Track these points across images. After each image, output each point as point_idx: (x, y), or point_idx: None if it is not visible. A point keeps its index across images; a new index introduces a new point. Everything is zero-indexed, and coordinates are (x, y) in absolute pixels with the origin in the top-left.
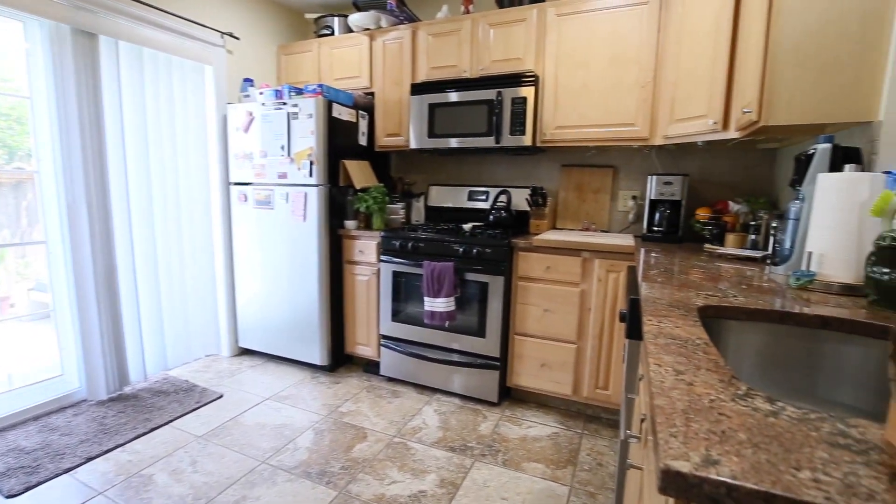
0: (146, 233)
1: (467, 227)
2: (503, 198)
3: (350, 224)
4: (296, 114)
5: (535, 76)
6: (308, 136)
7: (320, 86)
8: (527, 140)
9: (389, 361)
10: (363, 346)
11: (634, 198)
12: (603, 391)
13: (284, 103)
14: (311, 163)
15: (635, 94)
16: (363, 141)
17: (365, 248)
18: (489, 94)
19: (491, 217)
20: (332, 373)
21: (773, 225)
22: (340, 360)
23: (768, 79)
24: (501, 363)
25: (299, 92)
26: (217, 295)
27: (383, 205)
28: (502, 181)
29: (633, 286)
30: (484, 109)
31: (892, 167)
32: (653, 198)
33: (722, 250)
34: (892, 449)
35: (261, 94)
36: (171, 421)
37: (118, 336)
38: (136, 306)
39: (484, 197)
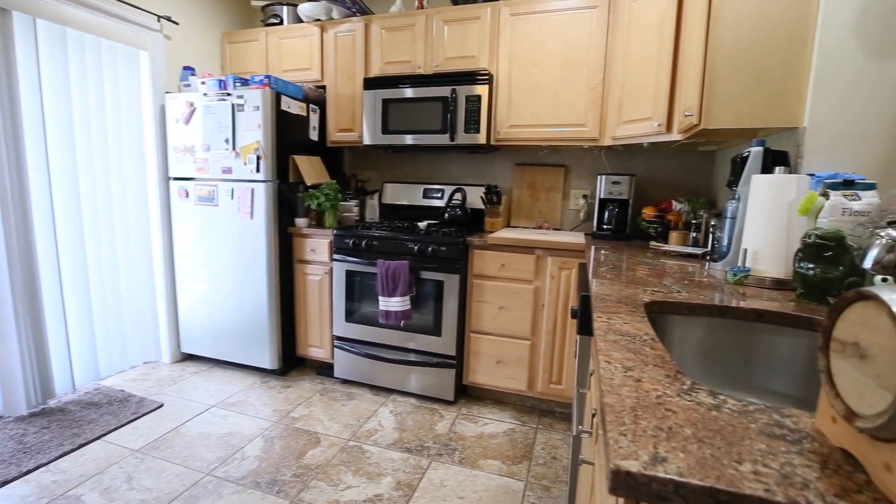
0: (73, 231)
1: (422, 225)
2: (458, 196)
3: (301, 222)
4: (241, 105)
5: (490, 74)
6: (255, 130)
7: (268, 77)
8: (481, 138)
9: (344, 363)
10: (316, 347)
11: (585, 197)
12: (556, 386)
13: (229, 94)
14: (259, 157)
15: (586, 95)
16: (314, 136)
17: (317, 246)
18: (444, 91)
19: (446, 215)
20: (284, 377)
21: (712, 223)
22: (292, 363)
23: (708, 84)
24: (458, 361)
25: (245, 83)
26: (156, 298)
27: (336, 202)
28: (457, 179)
29: (584, 283)
30: (438, 106)
31: (816, 170)
32: (602, 197)
33: (666, 247)
34: (822, 437)
35: (203, 83)
36: (103, 435)
37: (40, 345)
38: (62, 312)
39: (439, 195)
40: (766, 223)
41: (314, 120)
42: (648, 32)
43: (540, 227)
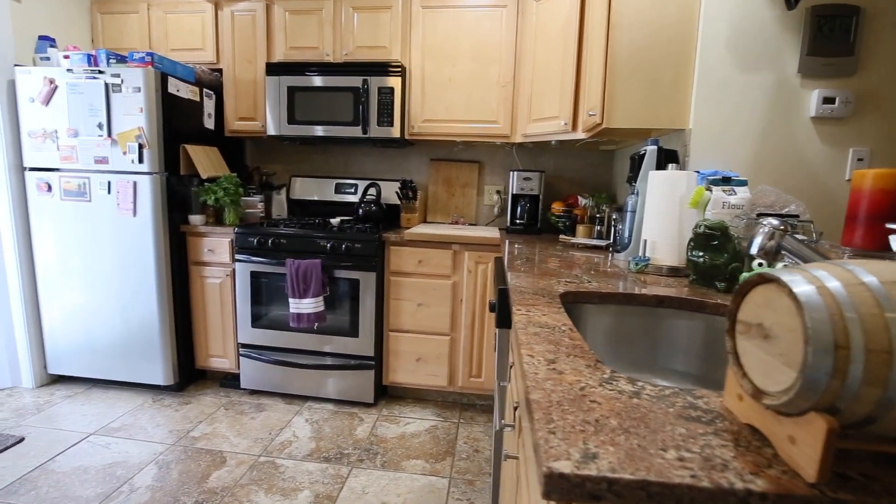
0: None
1: (335, 221)
2: (373, 191)
3: (196, 219)
4: (118, 86)
5: (403, 67)
6: (136, 114)
7: (150, 55)
8: (395, 132)
9: (251, 372)
10: (219, 357)
11: (499, 192)
12: (476, 379)
13: (101, 72)
14: (141, 146)
15: (497, 92)
16: (210, 124)
17: (216, 246)
18: (355, 81)
19: (360, 211)
20: (181, 392)
21: (614, 217)
22: (191, 376)
23: (609, 86)
24: (376, 362)
25: (122, 59)
26: (11, 312)
27: (237, 197)
28: (371, 173)
29: (500, 276)
30: (350, 97)
31: (700, 167)
32: (515, 192)
33: (574, 240)
34: (731, 415)
35: (66, 57)
36: None
37: None
38: None
39: (352, 190)
40: (662, 216)
41: (209, 106)
42: (554, 34)
43: (456, 223)
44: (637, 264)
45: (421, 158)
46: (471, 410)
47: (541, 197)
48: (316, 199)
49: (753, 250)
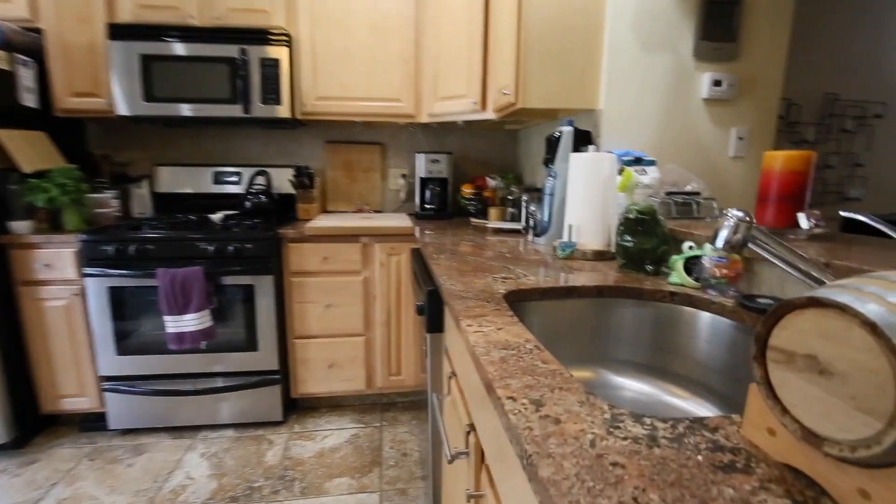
0: None
1: (217, 217)
2: (261, 179)
3: (20, 226)
4: None
5: (288, 35)
6: None
7: None
8: (283, 111)
9: (121, 409)
10: (73, 397)
11: (404, 176)
12: (396, 377)
13: None
14: None
15: (399, 68)
16: (31, 101)
17: (54, 259)
18: (230, 50)
19: (248, 203)
20: (22, 449)
21: (525, 199)
22: (36, 426)
23: (523, 64)
24: (282, 374)
25: None
26: None
27: (79, 194)
28: (258, 159)
29: (424, 273)
30: (225, 70)
31: (611, 148)
32: (423, 176)
33: (490, 224)
34: (759, 451)
35: None
36: None
37: None
38: None
39: (236, 179)
40: (586, 199)
41: (27, 78)
42: (458, 7)
43: (361, 211)
44: (564, 250)
45: (315, 141)
46: (393, 410)
47: (450, 180)
48: (189, 191)
49: (719, 244)
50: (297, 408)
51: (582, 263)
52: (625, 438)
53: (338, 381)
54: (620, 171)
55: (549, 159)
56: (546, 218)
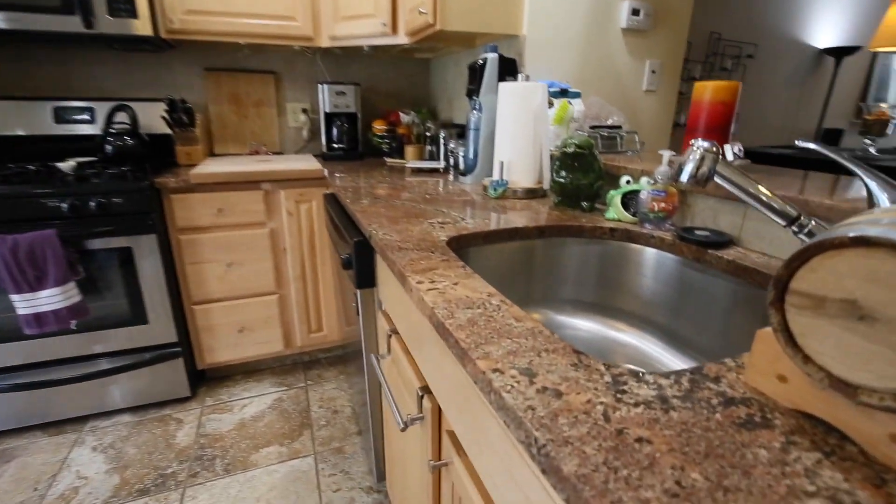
0: None
1: (67, 166)
2: (123, 117)
3: None
4: None
5: None
6: None
7: None
8: (141, 26)
9: None
10: None
11: (305, 111)
12: (318, 334)
13: None
14: None
15: None
16: None
17: None
18: None
19: (108, 147)
20: None
21: (443, 135)
22: None
23: None
24: (183, 346)
25: None
26: None
27: None
28: (116, 92)
29: (343, 220)
30: None
31: (534, 77)
32: (328, 111)
33: (408, 164)
34: (768, 399)
35: None
36: None
37: None
38: None
39: (87, 116)
40: (517, 134)
41: None
42: None
43: (256, 153)
44: (496, 189)
45: (191, 68)
46: (316, 367)
47: (359, 115)
48: (21, 133)
49: (684, 178)
50: (207, 379)
51: (514, 202)
52: (636, 404)
53: (251, 345)
54: (550, 104)
55: (473, 90)
56: (472, 155)
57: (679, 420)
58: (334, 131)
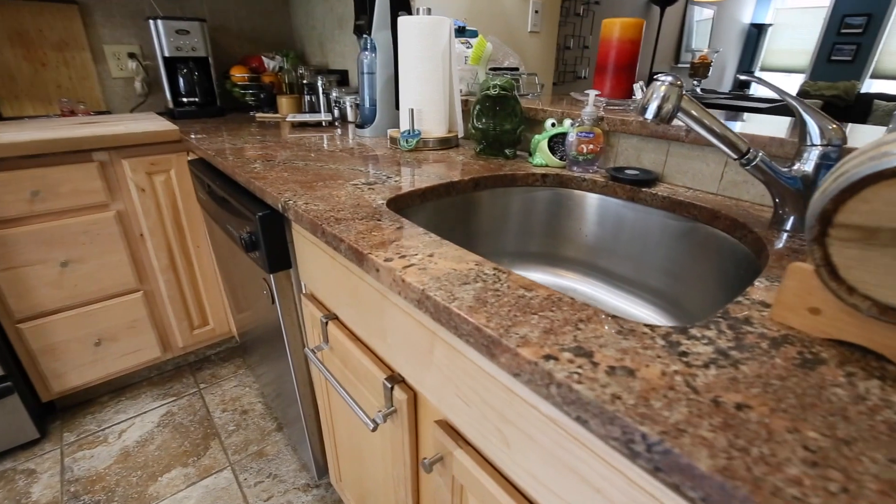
0: None
1: None
2: None
3: None
4: None
5: None
6: None
7: None
8: None
9: None
10: None
11: (134, 56)
12: (203, 329)
13: None
14: None
15: None
16: None
17: None
18: None
19: None
20: None
21: (322, 82)
22: None
23: None
24: (15, 377)
25: None
26: None
27: None
28: None
29: (230, 191)
30: None
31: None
32: (168, 55)
33: (293, 118)
34: (804, 335)
35: None
36: None
37: None
38: None
39: None
40: (424, 76)
41: None
42: None
43: (72, 114)
44: (409, 141)
45: None
46: (208, 367)
47: (210, 61)
48: None
49: (648, 115)
50: (60, 411)
51: (428, 154)
52: (705, 365)
53: (116, 357)
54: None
55: (363, 27)
56: (368, 104)
57: (753, 374)
58: (181, 82)
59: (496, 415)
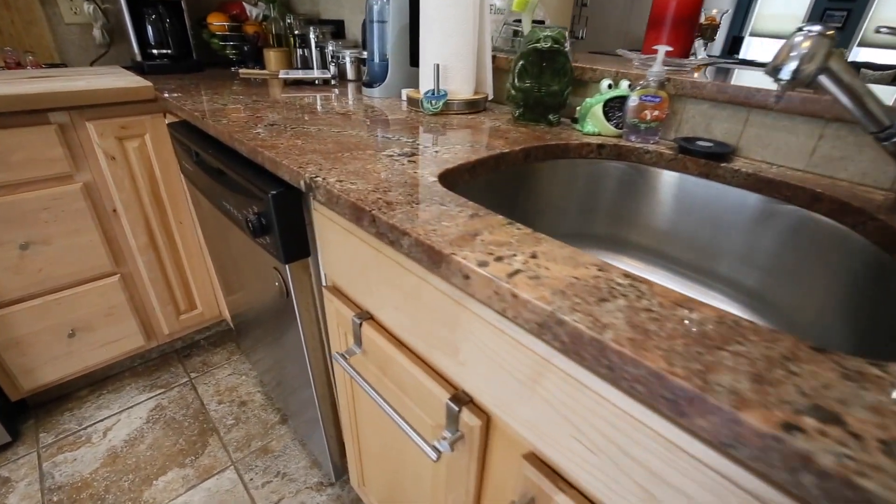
0: None
1: None
2: None
3: None
4: None
5: None
6: None
7: None
8: None
9: None
10: None
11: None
12: (190, 314)
13: None
14: None
15: None
16: None
17: None
18: None
19: None
20: None
21: (316, 33)
22: None
23: None
24: None
25: None
26: None
27: None
28: None
29: (226, 160)
30: None
31: None
32: None
33: (287, 75)
34: None
35: None
36: None
37: None
38: None
39: None
40: (451, 27)
41: None
42: None
43: (18, 66)
44: (434, 103)
45: None
46: (198, 353)
47: (183, 6)
48: None
49: (784, 75)
50: (33, 409)
51: (453, 119)
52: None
53: (93, 349)
54: None
55: None
56: (377, 58)
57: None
58: (149, 30)
59: (645, 474)
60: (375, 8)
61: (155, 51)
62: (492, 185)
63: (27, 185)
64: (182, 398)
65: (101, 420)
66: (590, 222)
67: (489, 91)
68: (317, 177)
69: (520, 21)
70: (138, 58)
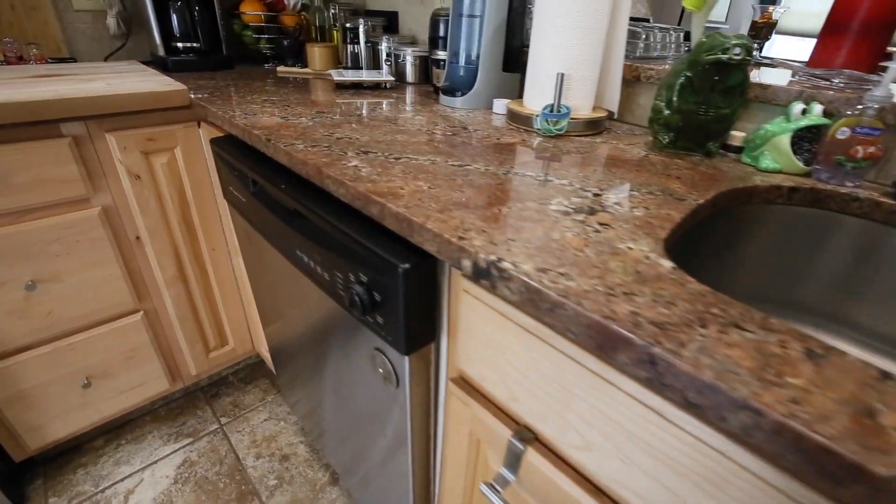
0: None
1: None
2: None
3: None
4: None
5: None
6: None
7: None
8: None
9: None
10: None
11: None
12: (221, 350)
13: None
14: None
15: None
16: None
17: None
18: None
19: None
20: None
21: (363, 27)
22: None
23: None
24: None
25: None
26: None
27: None
28: None
29: (299, 195)
30: None
31: None
32: None
33: (343, 77)
34: None
35: None
36: None
37: None
38: None
39: None
40: (576, 29)
41: None
42: None
43: (21, 61)
44: (554, 122)
45: None
46: (227, 392)
47: None
48: None
49: None
50: (41, 465)
51: (580, 142)
52: None
53: (112, 397)
54: None
55: None
56: (463, 62)
57: None
58: (173, 19)
59: None
60: (465, 1)
61: (180, 44)
62: (690, 246)
63: (34, 212)
64: (214, 451)
65: (121, 480)
66: (794, 287)
67: (614, 107)
68: (502, 260)
69: (637, 21)
70: (160, 52)
